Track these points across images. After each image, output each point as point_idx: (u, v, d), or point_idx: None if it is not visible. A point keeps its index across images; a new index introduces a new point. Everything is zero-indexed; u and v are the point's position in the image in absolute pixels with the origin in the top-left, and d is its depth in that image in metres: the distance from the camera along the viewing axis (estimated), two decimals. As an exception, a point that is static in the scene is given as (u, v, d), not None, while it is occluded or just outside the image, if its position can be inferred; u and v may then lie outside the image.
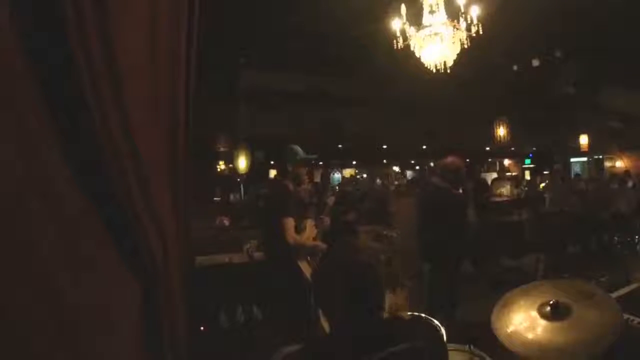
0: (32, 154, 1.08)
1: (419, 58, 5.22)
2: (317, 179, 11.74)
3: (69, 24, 1.08)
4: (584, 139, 13.81)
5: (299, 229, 3.18)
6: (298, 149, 3.33)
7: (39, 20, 1.07)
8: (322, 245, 3.33)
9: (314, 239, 3.34)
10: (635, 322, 2.17)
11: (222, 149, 12.23)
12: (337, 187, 13.52)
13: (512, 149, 16.49)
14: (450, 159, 3.88)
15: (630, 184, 8.72)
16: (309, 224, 3.34)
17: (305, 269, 3.17)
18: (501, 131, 13.13)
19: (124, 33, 1.20)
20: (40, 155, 1.10)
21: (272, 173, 11.06)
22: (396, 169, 20.12)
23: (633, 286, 2.64)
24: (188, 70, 1.41)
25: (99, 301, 1.17)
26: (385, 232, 5.70)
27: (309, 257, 3.24)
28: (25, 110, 1.07)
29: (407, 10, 4.99)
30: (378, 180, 14.89)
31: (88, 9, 1.11)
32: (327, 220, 3.51)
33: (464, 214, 4.22)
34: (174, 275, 1.33)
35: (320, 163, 15.00)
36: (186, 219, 1.43)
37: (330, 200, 3.82)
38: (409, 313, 2.06)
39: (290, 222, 3.06)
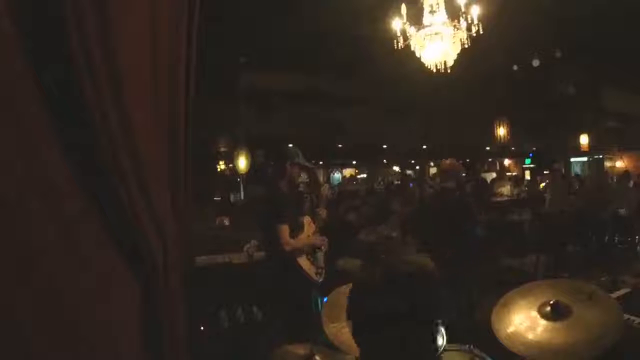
0: (32, 154, 1.08)
1: (420, 58, 5.23)
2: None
3: (69, 24, 1.08)
4: (584, 139, 13.81)
5: (295, 228, 3.17)
6: (299, 152, 3.33)
7: (39, 20, 1.07)
8: (319, 240, 3.32)
9: (313, 234, 3.33)
10: (635, 322, 2.17)
11: (222, 149, 12.24)
12: (336, 188, 13.53)
13: (512, 149, 16.49)
14: (448, 162, 3.91)
15: (630, 184, 8.72)
16: (307, 221, 3.34)
17: (306, 266, 3.17)
18: (501, 131, 13.13)
19: (124, 33, 1.20)
20: (40, 155, 1.10)
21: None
22: (396, 168, 20.14)
23: (632, 287, 2.64)
24: (188, 70, 1.41)
25: (99, 301, 1.17)
26: (385, 233, 5.71)
27: (309, 256, 3.24)
28: (25, 110, 1.07)
29: (407, 10, 4.99)
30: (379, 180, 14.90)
31: (88, 9, 1.11)
32: (324, 212, 3.49)
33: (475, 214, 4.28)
34: (174, 275, 1.33)
35: (321, 163, 15.01)
36: (186, 219, 1.43)
37: (325, 189, 3.74)
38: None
39: (284, 230, 3.04)
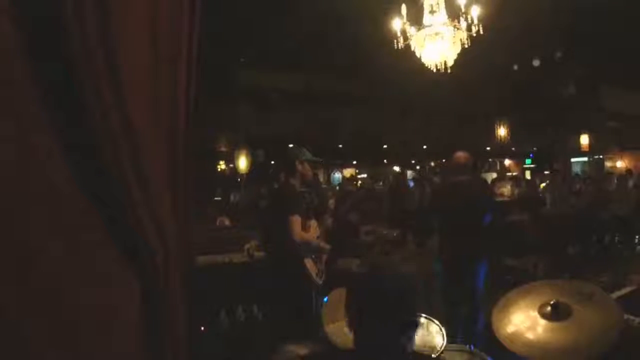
0: (32, 154, 1.08)
1: (420, 58, 5.23)
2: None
3: (69, 24, 1.08)
4: (584, 139, 13.80)
5: (304, 226, 3.19)
6: (305, 150, 3.37)
7: (39, 20, 1.07)
8: (327, 246, 3.35)
9: (317, 238, 3.35)
10: (635, 322, 2.17)
11: (222, 149, 12.25)
12: (337, 187, 13.53)
13: (513, 149, 16.50)
14: (463, 155, 3.94)
15: (631, 183, 8.72)
16: (313, 224, 3.36)
17: (311, 267, 3.18)
18: (501, 131, 13.13)
19: (124, 33, 1.20)
20: (40, 155, 1.10)
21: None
22: (396, 168, 20.13)
23: (633, 286, 2.64)
24: (188, 70, 1.41)
25: (99, 301, 1.17)
26: (385, 232, 5.72)
27: (313, 256, 3.24)
28: (25, 110, 1.07)
29: (407, 10, 4.99)
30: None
31: (88, 9, 1.11)
32: (329, 220, 3.55)
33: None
34: (174, 275, 1.33)
35: (321, 161, 14.99)
36: (186, 219, 1.43)
37: (331, 203, 3.88)
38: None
39: (297, 220, 3.07)
